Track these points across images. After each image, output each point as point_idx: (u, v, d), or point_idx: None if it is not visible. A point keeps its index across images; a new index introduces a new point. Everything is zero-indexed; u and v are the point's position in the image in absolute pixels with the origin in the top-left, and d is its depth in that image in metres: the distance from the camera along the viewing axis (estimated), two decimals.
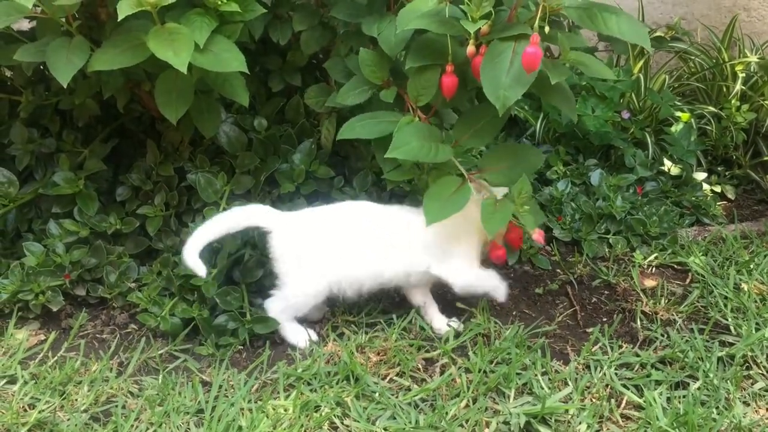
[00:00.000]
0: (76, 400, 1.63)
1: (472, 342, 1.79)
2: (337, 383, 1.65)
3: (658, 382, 1.66)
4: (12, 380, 1.69)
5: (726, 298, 1.95)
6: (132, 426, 1.55)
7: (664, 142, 2.54)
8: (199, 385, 1.65)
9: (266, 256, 1.83)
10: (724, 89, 2.71)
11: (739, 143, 2.65)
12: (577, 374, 1.69)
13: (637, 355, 1.75)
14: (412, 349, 1.75)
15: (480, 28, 1.53)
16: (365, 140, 1.87)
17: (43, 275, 1.86)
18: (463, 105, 1.84)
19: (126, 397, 1.64)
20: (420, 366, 1.72)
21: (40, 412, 1.58)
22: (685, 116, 2.58)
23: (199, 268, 1.70)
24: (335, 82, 1.93)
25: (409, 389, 1.65)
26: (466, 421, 1.55)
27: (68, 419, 1.57)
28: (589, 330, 1.85)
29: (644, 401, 1.60)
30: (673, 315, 1.90)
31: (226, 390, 1.65)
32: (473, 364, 1.69)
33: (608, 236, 2.21)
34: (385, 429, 1.54)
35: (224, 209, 1.87)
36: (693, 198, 2.40)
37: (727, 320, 1.87)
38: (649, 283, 2.06)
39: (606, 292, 2.03)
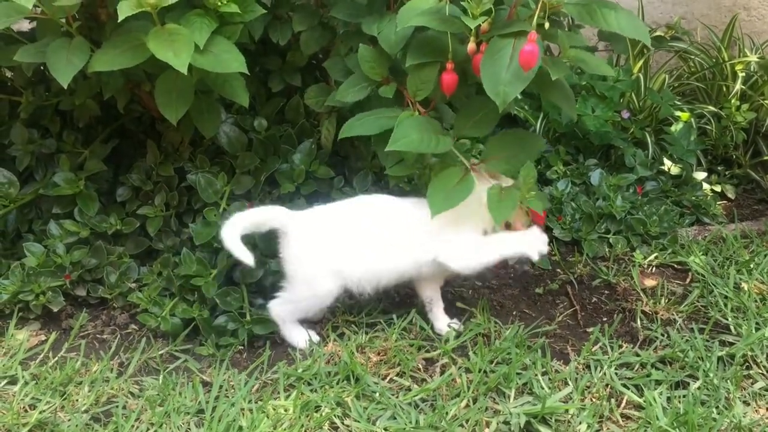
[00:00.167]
0: (77, 400, 1.63)
1: (473, 342, 1.79)
2: (337, 383, 1.65)
3: (658, 382, 1.66)
4: (12, 381, 1.69)
5: (726, 297, 1.95)
6: (132, 426, 1.55)
7: (664, 142, 2.54)
8: (199, 385, 1.66)
9: (266, 256, 1.84)
10: (724, 89, 2.71)
11: (739, 143, 2.65)
12: (577, 374, 1.69)
13: (637, 355, 1.75)
14: (413, 349, 1.75)
15: (480, 26, 1.53)
16: (365, 140, 1.87)
17: (44, 276, 1.86)
18: (463, 102, 1.84)
19: (126, 397, 1.64)
20: (420, 366, 1.72)
21: (40, 412, 1.58)
22: (685, 116, 2.58)
23: (247, 257, 1.67)
24: (335, 81, 1.93)
25: (409, 389, 1.65)
26: (467, 421, 1.55)
27: (69, 420, 1.57)
28: (589, 330, 1.85)
29: (644, 401, 1.60)
30: (673, 315, 1.90)
31: (226, 390, 1.66)
32: (473, 364, 1.69)
33: (608, 236, 2.21)
34: (385, 429, 1.54)
35: (224, 210, 1.87)
36: (693, 197, 2.40)
37: (727, 320, 1.87)
38: (649, 282, 2.06)
39: (606, 291, 2.03)
